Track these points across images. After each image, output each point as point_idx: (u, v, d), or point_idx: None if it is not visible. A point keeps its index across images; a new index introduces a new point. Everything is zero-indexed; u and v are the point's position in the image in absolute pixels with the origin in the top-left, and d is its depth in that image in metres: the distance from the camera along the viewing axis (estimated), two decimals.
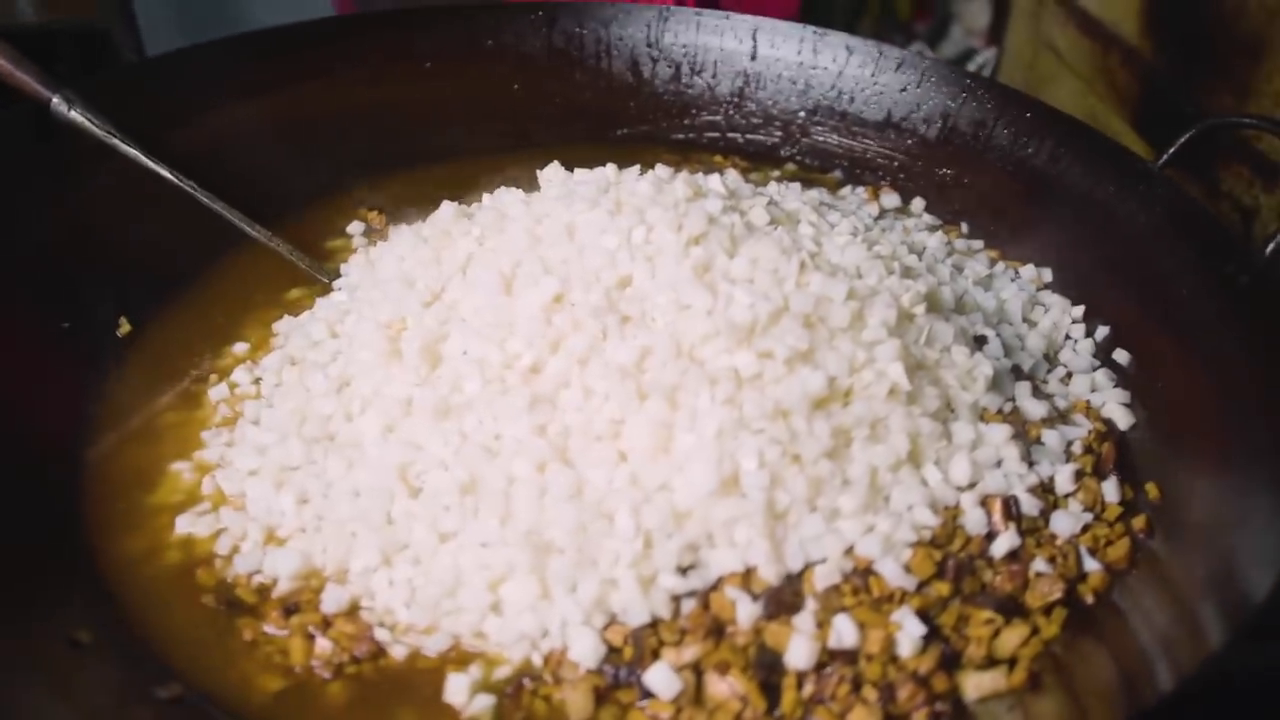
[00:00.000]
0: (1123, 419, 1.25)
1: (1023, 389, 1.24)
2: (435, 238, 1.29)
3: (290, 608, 1.01)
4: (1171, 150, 1.32)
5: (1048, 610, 1.04)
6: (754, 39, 1.69)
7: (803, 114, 1.68)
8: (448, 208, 1.33)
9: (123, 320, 1.30)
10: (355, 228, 1.50)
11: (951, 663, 0.99)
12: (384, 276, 1.29)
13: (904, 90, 1.61)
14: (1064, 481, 1.15)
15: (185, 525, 1.08)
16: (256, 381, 1.25)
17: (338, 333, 1.27)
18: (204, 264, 1.40)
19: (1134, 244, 1.34)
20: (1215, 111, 1.75)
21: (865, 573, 1.03)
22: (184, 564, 1.05)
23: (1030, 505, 1.11)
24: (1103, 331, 1.36)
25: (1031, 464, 1.16)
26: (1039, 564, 1.07)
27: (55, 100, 1.27)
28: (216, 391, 1.23)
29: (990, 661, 1.00)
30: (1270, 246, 1.17)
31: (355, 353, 1.20)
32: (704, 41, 1.69)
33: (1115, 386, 1.29)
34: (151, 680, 0.93)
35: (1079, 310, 1.39)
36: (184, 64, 1.49)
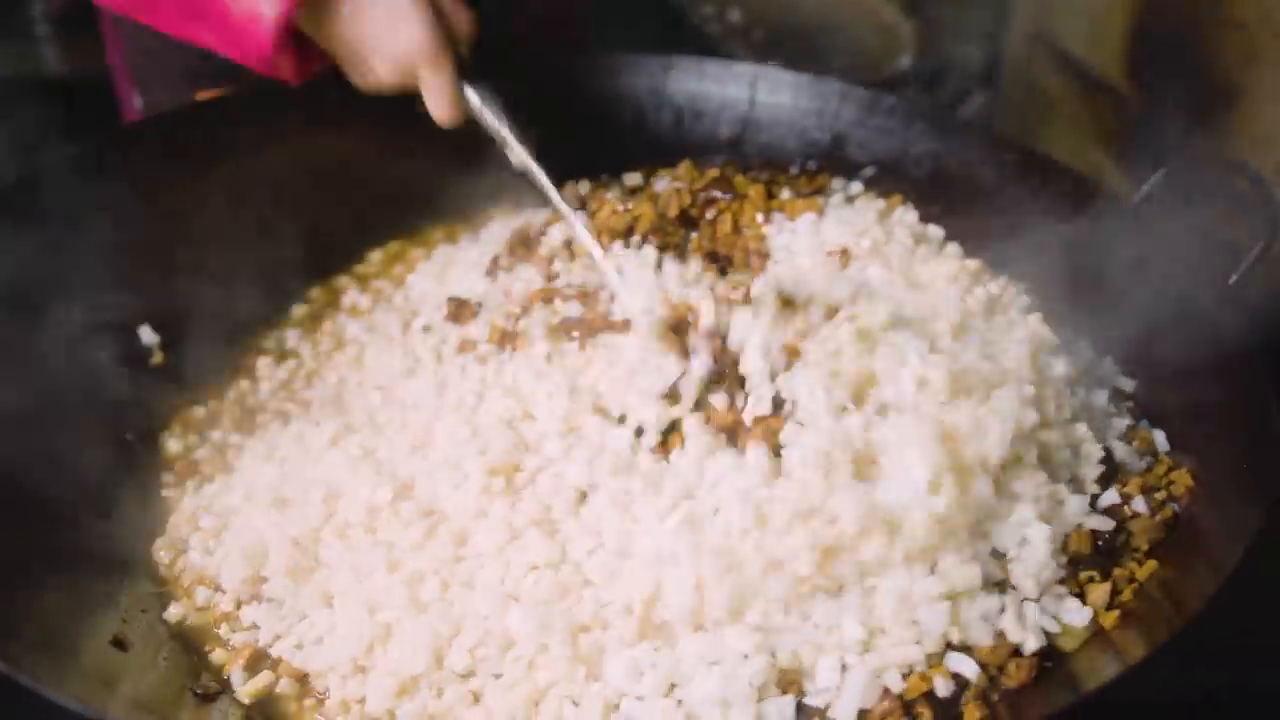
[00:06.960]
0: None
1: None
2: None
3: None
4: (1144, 189, 1.40)
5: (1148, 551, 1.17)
6: (753, 86, 1.78)
7: (799, 158, 1.76)
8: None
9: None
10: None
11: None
12: None
13: (894, 134, 1.69)
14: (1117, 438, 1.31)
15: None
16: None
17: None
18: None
19: (1115, 278, 1.41)
20: (1194, 153, 1.84)
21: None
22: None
23: (1124, 453, 1.28)
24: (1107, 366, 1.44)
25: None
26: (1138, 503, 1.22)
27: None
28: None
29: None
30: (1234, 278, 1.25)
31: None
32: (705, 89, 1.78)
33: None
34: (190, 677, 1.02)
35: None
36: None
